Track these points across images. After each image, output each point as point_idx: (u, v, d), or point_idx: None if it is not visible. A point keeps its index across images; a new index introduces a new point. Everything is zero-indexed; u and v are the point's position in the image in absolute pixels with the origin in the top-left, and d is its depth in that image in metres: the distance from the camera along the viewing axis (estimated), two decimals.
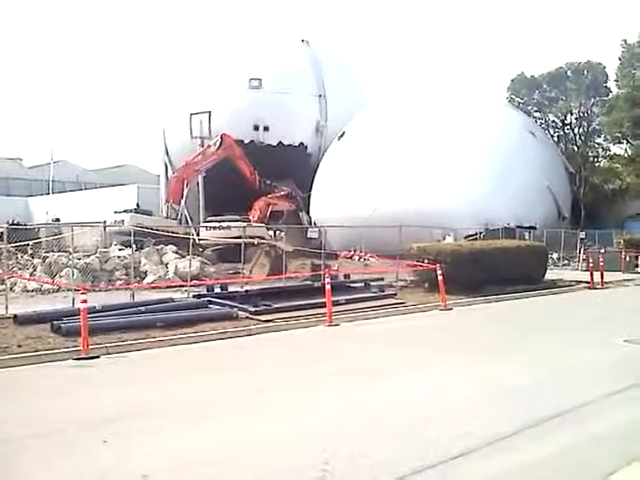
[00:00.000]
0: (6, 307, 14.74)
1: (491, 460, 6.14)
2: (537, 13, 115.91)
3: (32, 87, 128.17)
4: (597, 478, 5.66)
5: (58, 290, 19.26)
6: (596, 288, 23.24)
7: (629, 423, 7.29)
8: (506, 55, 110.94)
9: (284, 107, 41.71)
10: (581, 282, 23.96)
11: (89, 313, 12.02)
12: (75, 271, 20.40)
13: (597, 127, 46.85)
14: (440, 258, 19.45)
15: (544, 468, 5.96)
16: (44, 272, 22.15)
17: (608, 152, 48.45)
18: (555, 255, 30.79)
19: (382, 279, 21.78)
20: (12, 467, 6.15)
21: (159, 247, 26.38)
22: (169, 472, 5.99)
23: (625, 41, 43.08)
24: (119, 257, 23.96)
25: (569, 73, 46.79)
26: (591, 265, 24.56)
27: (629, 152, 44.96)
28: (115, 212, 33.94)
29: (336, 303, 16.02)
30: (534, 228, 32.54)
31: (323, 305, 15.31)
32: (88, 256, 23.14)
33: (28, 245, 23.45)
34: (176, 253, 25.73)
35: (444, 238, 28.30)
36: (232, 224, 30.22)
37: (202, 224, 34.05)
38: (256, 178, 38.90)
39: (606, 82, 45.79)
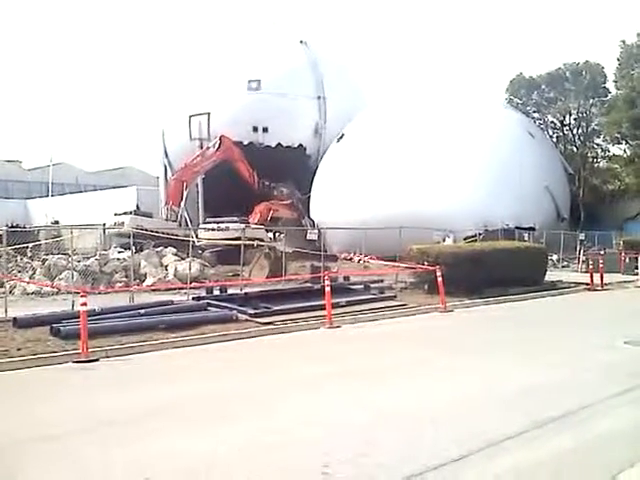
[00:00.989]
0: (5, 310, 14.73)
1: (495, 461, 6.12)
2: (536, 14, 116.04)
3: (31, 89, 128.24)
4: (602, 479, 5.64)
5: (57, 293, 19.24)
6: (596, 290, 23.22)
7: (632, 424, 7.29)
8: (505, 56, 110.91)
9: (283, 108, 41.71)
10: (581, 284, 23.93)
11: (89, 316, 12.00)
12: (74, 274, 20.37)
13: (596, 128, 46.85)
14: (440, 260, 19.42)
15: (548, 470, 5.95)
16: (43, 275, 22.13)
17: (607, 153, 48.46)
18: (555, 256, 30.77)
19: (382, 281, 21.78)
20: (14, 470, 6.14)
21: (159, 249, 26.36)
22: (171, 474, 5.98)
23: (623, 42, 43.10)
24: (119, 259, 23.94)
25: (568, 74, 46.81)
26: (591, 267, 24.54)
27: (628, 153, 44.98)
28: (115, 214, 33.93)
29: (336, 305, 16.01)
30: (533, 229, 32.54)
31: (323, 307, 15.30)
32: (87, 258, 23.11)
33: (27, 248, 23.42)
34: (175, 255, 25.71)
35: (443, 240, 28.30)
36: (231, 225, 30.21)
37: (201, 226, 34.03)
38: (255, 179, 38.89)
39: (605, 83, 45.81)
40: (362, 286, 20.26)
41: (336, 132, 40.73)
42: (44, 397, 9.07)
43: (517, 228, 31.56)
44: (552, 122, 49.16)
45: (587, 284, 23.54)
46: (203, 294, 18.42)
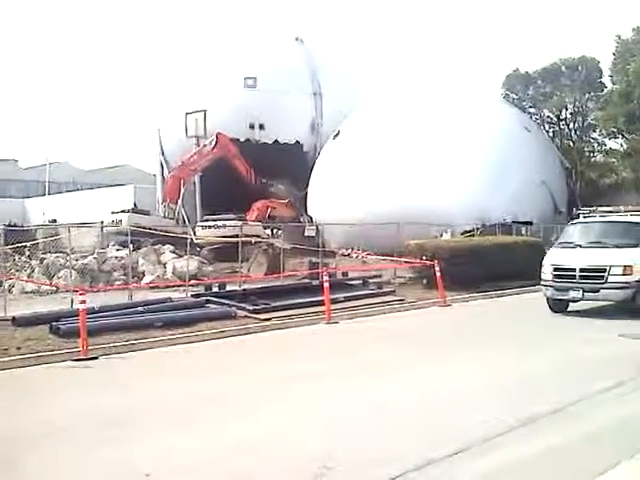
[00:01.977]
0: (4, 309, 14.74)
1: (488, 456, 6.15)
2: (532, 9, 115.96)
3: (27, 88, 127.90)
4: (589, 474, 5.64)
5: (56, 291, 19.27)
6: None
7: (624, 418, 7.34)
8: (501, 51, 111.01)
9: (279, 105, 41.63)
10: None
11: (88, 314, 12.03)
12: (73, 272, 20.41)
13: (592, 122, 46.82)
14: (438, 255, 19.48)
15: (539, 464, 5.97)
16: (42, 273, 22.16)
17: (603, 147, 48.43)
18: None
19: (380, 276, 21.82)
20: (17, 467, 6.17)
21: (156, 247, 26.38)
22: (171, 471, 6.01)
23: (619, 36, 43.07)
24: (117, 257, 23.97)
25: (563, 69, 46.78)
26: None
27: (624, 147, 44.99)
28: (112, 212, 33.89)
29: (335, 301, 16.06)
30: (530, 224, 32.57)
31: (322, 303, 15.34)
32: (85, 257, 23.14)
33: (25, 247, 23.42)
34: (174, 253, 25.74)
35: (441, 235, 28.31)
36: (228, 223, 30.19)
37: (199, 223, 34.01)
38: (252, 176, 38.85)
39: (600, 77, 45.78)
40: (361, 282, 20.30)
41: (333, 128, 40.67)
42: (44, 395, 9.09)
43: (514, 222, 31.59)
44: (548, 117, 49.14)
45: None
46: (202, 291, 18.46)
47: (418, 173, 33.16)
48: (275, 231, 28.86)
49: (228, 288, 18.67)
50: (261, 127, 41.89)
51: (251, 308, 15.58)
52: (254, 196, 36.58)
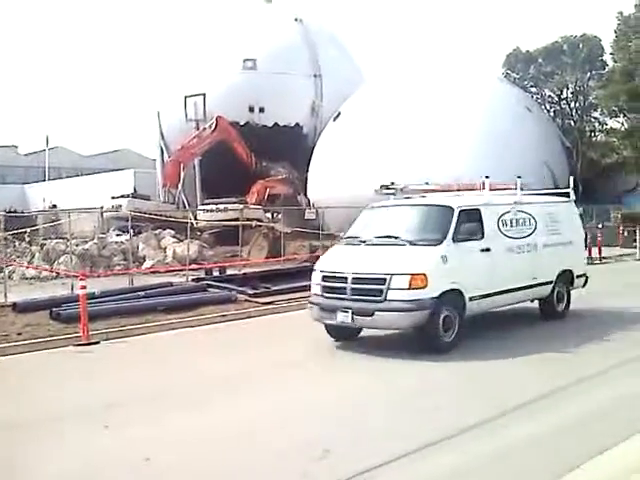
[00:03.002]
0: (5, 295, 14.75)
1: (460, 449, 6.02)
2: None
3: (26, 74, 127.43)
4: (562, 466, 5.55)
5: (57, 277, 19.28)
6: (594, 263, 23.23)
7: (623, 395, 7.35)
8: (502, 30, 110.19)
9: (279, 88, 41.41)
10: None
11: (88, 299, 12.03)
12: (73, 257, 20.39)
13: (593, 101, 46.53)
14: None
15: (509, 458, 5.84)
16: (42, 259, 22.15)
17: (605, 126, 48.13)
18: None
19: None
20: (19, 451, 6.19)
21: (157, 232, 26.35)
22: (172, 454, 6.02)
23: (621, 13, 42.65)
24: (117, 242, 23.95)
25: (565, 47, 46.42)
26: (589, 240, 24.54)
27: (626, 126, 44.71)
28: (112, 197, 33.83)
29: None
30: None
31: None
32: (86, 242, 23.12)
33: (25, 233, 23.42)
34: (174, 237, 25.71)
35: None
36: (229, 206, 30.11)
37: (199, 207, 33.94)
38: (252, 160, 38.74)
39: (602, 55, 45.43)
40: None
41: (333, 110, 40.47)
42: (46, 380, 9.12)
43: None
44: (549, 96, 48.84)
45: (586, 258, 23.51)
46: (202, 275, 18.45)
47: (419, 153, 33.02)
48: (275, 215, 28.79)
49: (229, 272, 18.65)
50: (261, 110, 41.69)
51: (251, 292, 15.58)
52: (254, 179, 36.50)
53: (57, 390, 8.47)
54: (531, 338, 10.79)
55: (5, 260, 18.50)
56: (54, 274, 19.57)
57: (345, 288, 10.01)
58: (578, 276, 12.85)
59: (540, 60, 47.74)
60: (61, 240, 22.84)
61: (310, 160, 39.04)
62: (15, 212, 30.78)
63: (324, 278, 10.58)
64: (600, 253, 23.89)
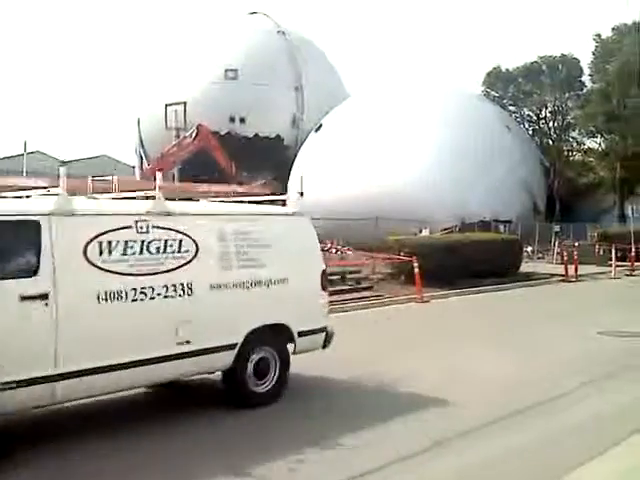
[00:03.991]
0: None
1: (465, 451, 6.15)
2: (513, 6, 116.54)
3: (5, 77, 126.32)
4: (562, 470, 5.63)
5: None
6: (570, 281, 23.41)
7: (600, 412, 7.40)
8: (482, 48, 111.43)
9: (260, 99, 41.54)
10: (555, 275, 24.11)
11: None
12: None
13: (571, 121, 47.23)
14: (416, 251, 19.47)
15: (511, 461, 5.93)
16: None
17: (582, 146, 48.89)
18: (530, 248, 30.98)
19: (359, 272, 21.75)
20: None
21: None
22: None
23: (599, 36, 43.46)
24: None
25: (544, 67, 47.12)
26: (565, 258, 24.75)
27: (603, 146, 45.41)
28: None
29: None
30: (509, 222, 32.76)
31: None
32: None
33: None
34: None
35: (420, 231, 28.37)
36: None
37: None
38: (233, 169, 38.72)
39: (580, 76, 46.18)
40: (339, 277, 20.23)
41: (314, 122, 40.67)
42: None
43: (494, 221, 31.77)
44: (528, 115, 49.50)
45: (562, 275, 23.73)
46: None
47: (398, 169, 33.33)
48: None
49: None
50: (242, 120, 41.80)
51: None
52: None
53: None
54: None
55: None
56: None
57: None
58: (304, 333, 7.99)
59: (520, 79, 48.44)
60: None
61: (291, 171, 39.15)
62: None
63: None
64: (576, 271, 24.07)
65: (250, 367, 7.44)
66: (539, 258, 31.37)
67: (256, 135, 41.64)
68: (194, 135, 37.76)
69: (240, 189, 31.72)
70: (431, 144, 34.15)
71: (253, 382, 7.50)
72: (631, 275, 26.08)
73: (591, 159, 47.55)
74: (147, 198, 10.15)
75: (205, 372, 7.57)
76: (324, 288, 8.42)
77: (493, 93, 48.74)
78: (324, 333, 8.36)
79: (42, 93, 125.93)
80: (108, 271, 6.37)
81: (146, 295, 6.59)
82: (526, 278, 23.22)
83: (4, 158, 68.23)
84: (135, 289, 6.50)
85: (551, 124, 48.67)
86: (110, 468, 5.72)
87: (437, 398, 7.81)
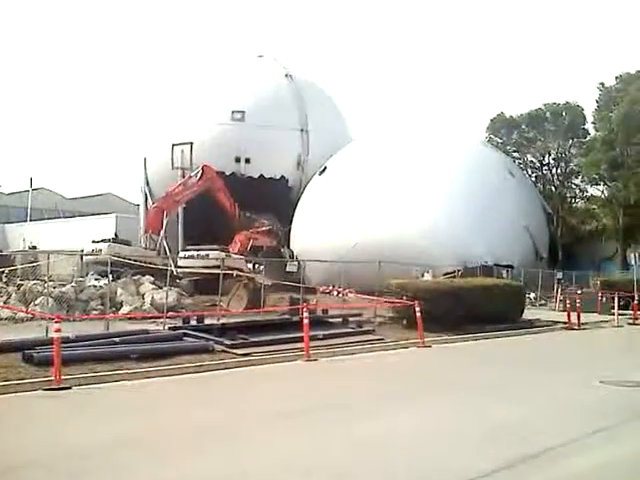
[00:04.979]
0: None
1: None
2: (518, 54, 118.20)
3: (11, 112, 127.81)
4: None
5: (32, 319, 18.95)
6: (573, 329, 23.32)
7: (601, 464, 7.26)
8: (486, 95, 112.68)
9: (266, 140, 41.88)
10: (558, 322, 24.03)
11: (63, 343, 11.81)
12: (50, 300, 20.12)
13: (575, 168, 47.53)
14: (418, 295, 19.43)
15: None
16: (18, 300, 21.85)
17: (585, 193, 49.12)
18: (532, 295, 30.92)
19: (360, 315, 21.70)
20: None
21: (136, 277, 26.15)
22: None
23: (602, 84, 44.02)
24: (95, 287, 23.71)
25: (548, 114, 47.60)
26: (568, 306, 24.69)
27: (606, 194, 45.60)
28: (93, 241, 33.59)
29: (314, 338, 15.93)
30: (512, 267, 32.72)
31: (301, 339, 15.20)
32: (64, 285, 22.87)
33: (3, 272, 23.13)
34: (153, 284, 25.50)
35: (422, 275, 28.35)
36: (211, 253, 29.98)
37: (180, 254, 33.75)
38: (236, 210, 38.80)
39: (584, 124, 46.61)
40: (340, 319, 20.19)
41: (319, 164, 40.94)
42: (12, 426, 8.86)
43: (496, 265, 31.73)
44: (531, 162, 49.83)
45: (564, 323, 23.65)
46: (180, 324, 18.25)
47: (401, 212, 33.38)
48: (257, 266, 28.70)
49: (207, 321, 18.45)
50: (247, 161, 42.05)
51: (229, 343, 15.40)
52: (237, 230, 36.52)
53: (22, 436, 8.23)
54: None
55: None
56: (29, 315, 19.26)
57: None
58: None
59: (523, 126, 48.87)
60: (39, 281, 22.57)
61: (294, 212, 39.26)
62: None
63: None
64: (579, 319, 23.97)
65: None
66: (541, 305, 31.30)
67: (261, 176, 41.90)
68: (199, 175, 37.93)
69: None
70: (433, 189, 34.28)
71: None
72: (634, 324, 26.00)
73: (594, 206, 47.71)
74: None
75: None
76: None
77: (497, 139, 49.16)
78: None
79: (50, 131, 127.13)
80: None
81: None
82: (529, 325, 23.14)
83: (10, 194, 68.78)
84: None
85: (554, 171, 48.97)
86: None
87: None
